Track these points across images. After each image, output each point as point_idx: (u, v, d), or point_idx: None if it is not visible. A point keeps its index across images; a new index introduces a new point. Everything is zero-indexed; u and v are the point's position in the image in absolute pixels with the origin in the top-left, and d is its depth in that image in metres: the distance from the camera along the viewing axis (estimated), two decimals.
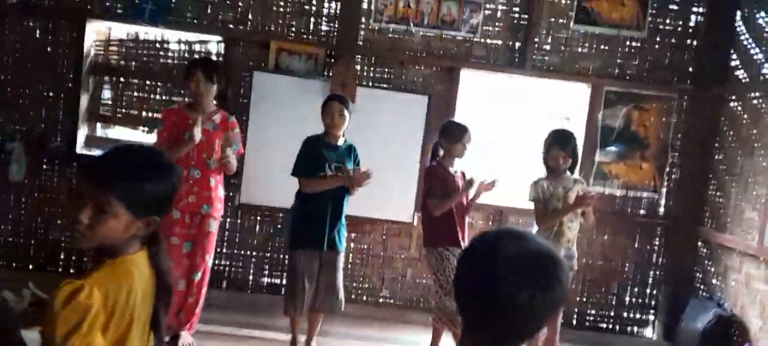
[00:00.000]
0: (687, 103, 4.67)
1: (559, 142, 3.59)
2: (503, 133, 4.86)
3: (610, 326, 4.79)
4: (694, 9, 4.63)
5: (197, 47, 4.43)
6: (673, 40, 4.64)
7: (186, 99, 4.10)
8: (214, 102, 3.63)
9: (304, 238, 3.48)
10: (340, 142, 3.58)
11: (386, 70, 4.53)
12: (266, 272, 4.61)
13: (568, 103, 4.80)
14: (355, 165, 3.59)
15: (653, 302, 4.80)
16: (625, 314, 4.79)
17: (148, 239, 1.42)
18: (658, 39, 4.63)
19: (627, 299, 4.78)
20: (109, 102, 4.50)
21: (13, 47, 4.35)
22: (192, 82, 3.45)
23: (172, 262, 3.41)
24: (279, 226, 4.48)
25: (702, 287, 4.62)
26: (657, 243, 4.75)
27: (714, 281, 4.50)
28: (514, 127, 4.87)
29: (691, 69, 4.66)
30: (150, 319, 1.44)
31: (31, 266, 4.47)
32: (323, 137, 3.55)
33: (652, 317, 4.81)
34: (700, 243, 4.67)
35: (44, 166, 4.42)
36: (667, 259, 4.74)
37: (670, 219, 4.72)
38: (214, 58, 4.35)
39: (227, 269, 4.57)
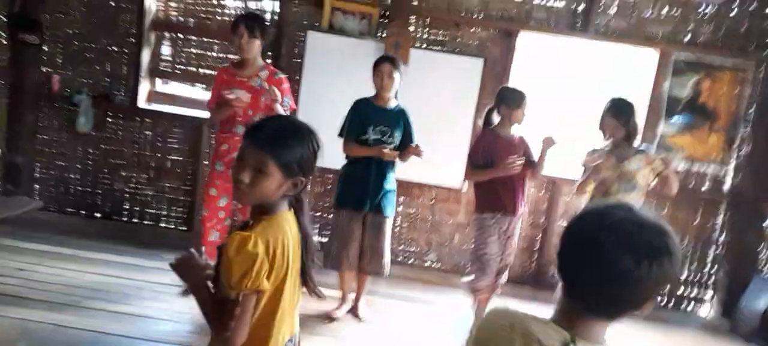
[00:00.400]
0: (763, 74, 4.36)
1: (613, 110, 3.41)
2: (562, 102, 4.68)
3: (665, 303, 4.65)
4: None
5: (252, 5, 4.46)
6: (752, 6, 4.30)
7: (230, 56, 4.14)
8: (261, 59, 3.61)
9: (345, 198, 3.54)
10: (391, 104, 3.55)
11: (441, 31, 4.43)
12: (317, 231, 4.69)
13: (632, 70, 4.56)
14: (405, 130, 3.55)
15: (712, 280, 4.62)
16: (680, 291, 4.64)
17: (294, 202, 1.62)
18: (735, 4, 4.31)
19: (684, 275, 4.61)
20: (169, 58, 4.62)
21: (79, 3, 4.50)
22: (236, 36, 3.44)
23: (207, 211, 3.56)
24: (329, 186, 4.53)
25: (766, 266, 4.41)
26: (720, 219, 4.54)
27: None
28: (574, 96, 4.69)
29: (766, 38, 4.33)
30: (300, 273, 1.65)
31: (97, 214, 4.73)
32: (372, 100, 3.53)
33: (709, 295, 4.64)
34: (766, 221, 4.43)
35: (109, 119, 4.61)
36: (731, 236, 4.53)
37: (736, 195, 4.48)
38: (260, 13, 4.33)
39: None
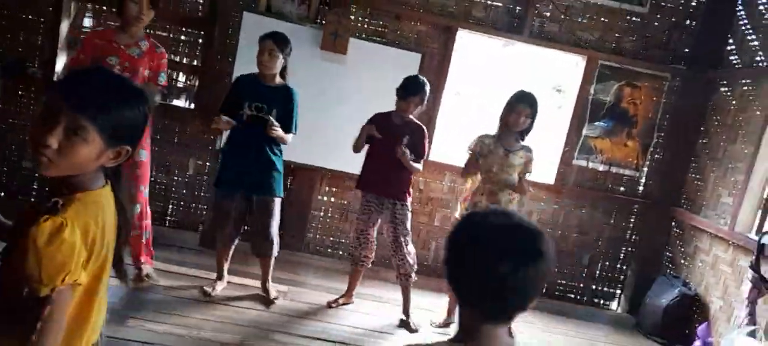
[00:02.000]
0: (679, 85, 4.65)
1: (525, 100, 3.52)
2: (492, 99, 4.80)
3: (578, 297, 4.91)
4: None
5: None
6: (672, 19, 4.58)
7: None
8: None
9: (221, 178, 3.50)
10: (277, 82, 3.42)
11: (381, 23, 4.40)
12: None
13: (561, 75, 4.75)
14: (287, 109, 3.41)
15: (622, 277, 4.92)
16: (593, 287, 4.91)
17: (111, 174, 1.35)
18: (658, 16, 4.57)
19: (597, 272, 4.88)
20: (90, 30, 4.30)
21: None
22: (133, 3, 3.19)
23: None
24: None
25: (670, 266, 4.74)
26: (632, 220, 4.83)
27: (682, 261, 4.62)
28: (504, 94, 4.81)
29: (686, 50, 4.63)
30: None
31: (2, 193, 4.37)
32: (256, 76, 3.42)
33: (618, 292, 4.94)
34: (673, 223, 4.76)
35: (20, 93, 4.26)
36: (640, 236, 4.83)
37: (648, 198, 4.78)
38: None
39: (204, 212, 4.51)
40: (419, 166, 3.60)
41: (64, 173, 1.24)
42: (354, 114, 4.24)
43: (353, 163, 4.34)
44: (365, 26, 4.40)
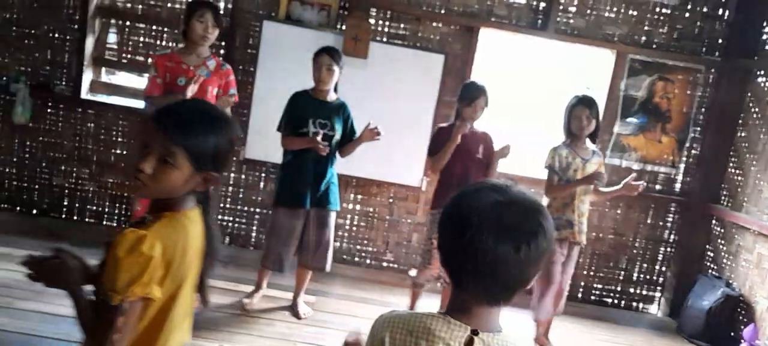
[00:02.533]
0: (714, 77, 4.48)
1: (584, 102, 3.45)
2: (521, 99, 4.70)
3: (616, 301, 4.72)
4: None
5: None
6: (705, 9, 4.41)
7: (176, 43, 3.98)
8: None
9: (285, 195, 3.45)
10: (330, 97, 3.44)
11: (402, 25, 4.35)
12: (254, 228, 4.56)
13: (590, 70, 4.61)
14: (346, 123, 3.46)
15: (661, 279, 4.72)
16: (631, 290, 4.72)
17: (202, 199, 1.44)
18: (688, 7, 4.41)
19: (635, 275, 4.70)
20: (115, 46, 4.36)
21: None
22: (200, 23, 3.26)
23: (139, 206, 3.38)
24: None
25: (712, 265, 4.53)
26: (670, 219, 4.64)
27: (724, 260, 4.42)
28: (533, 93, 4.71)
29: (720, 41, 4.45)
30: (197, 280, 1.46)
31: (34, 211, 4.44)
32: (311, 93, 3.42)
33: (658, 294, 4.74)
34: (714, 221, 4.56)
35: (49, 110, 4.32)
36: (679, 236, 4.64)
37: (686, 195, 4.59)
38: (221, 4, 4.19)
39: (230, 224, 4.51)
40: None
41: (156, 195, 1.37)
42: (378, 119, 4.19)
43: (377, 170, 4.31)
44: (386, 29, 4.35)
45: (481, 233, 1.04)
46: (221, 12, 3.55)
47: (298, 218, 3.43)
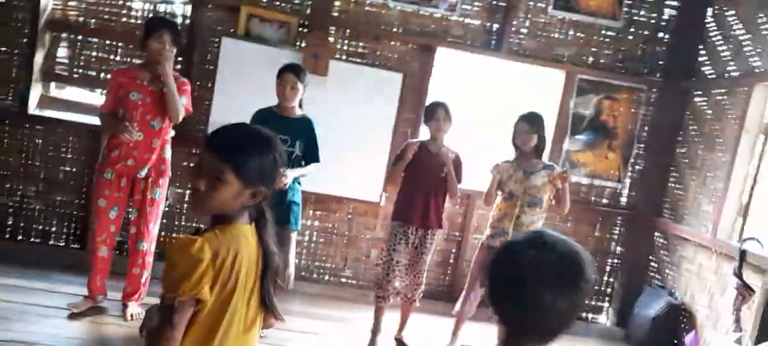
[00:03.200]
0: (655, 96, 4.73)
1: (526, 120, 3.61)
2: (477, 116, 4.83)
3: None
4: (668, 2, 4.66)
5: (162, 8, 4.20)
6: (646, 33, 4.67)
7: (135, 60, 3.99)
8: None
9: None
10: (296, 113, 3.44)
11: (361, 44, 4.41)
12: None
13: (541, 89, 4.79)
14: (309, 140, 3.43)
15: (609, 290, 4.92)
16: None
17: (257, 216, 1.55)
18: (632, 30, 4.66)
19: None
20: (66, 61, 4.22)
21: None
22: (157, 42, 3.24)
23: (96, 224, 3.39)
24: None
25: (656, 276, 4.76)
26: (616, 232, 4.86)
27: (667, 270, 4.65)
28: (488, 111, 4.85)
29: (661, 62, 4.72)
30: (259, 294, 1.56)
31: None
32: (275, 109, 3.42)
33: (606, 304, 4.94)
34: (657, 234, 4.80)
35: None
36: (625, 248, 4.86)
37: (631, 209, 4.82)
38: (178, 20, 4.15)
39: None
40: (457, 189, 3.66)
41: (212, 211, 1.49)
42: (335, 136, 4.23)
43: (336, 186, 4.34)
44: (345, 48, 4.40)
45: (529, 287, 1.18)
46: (180, 29, 3.52)
47: None
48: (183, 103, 3.39)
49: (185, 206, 4.40)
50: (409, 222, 3.59)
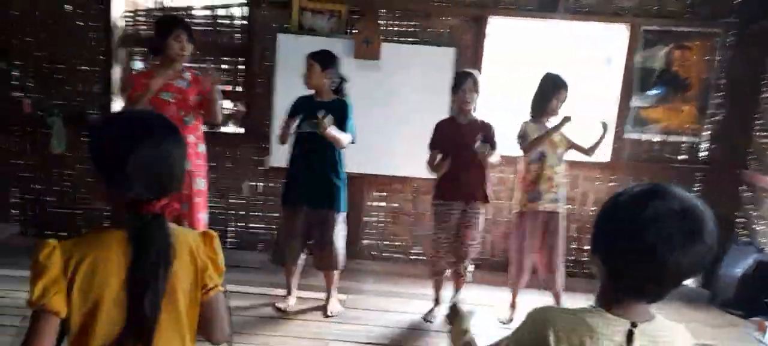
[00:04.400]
0: (732, 40, 4.40)
1: (565, 85, 3.54)
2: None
3: None
4: None
5: (221, 12, 4.43)
6: None
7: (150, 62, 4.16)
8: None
9: (284, 195, 3.61)
10: (331, 97, 3.50)
11: (411, 23, 4.42)
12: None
13: (605, 43, 4.59)
14: (342, 122, 3.44)
15: None
16: None
17: (138, 222, 1.29)
18: None
19: None
20: (135, 71, 4.56)
21: (46, 24, 4.45)
22: (176, 42, 3.36)
23: None
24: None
25: (743, 232, 4.48)
26: (697, 189, 4.60)
27: (756, 225, 4.36)
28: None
29: (735, 1, 4.37)
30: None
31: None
32: (311, 96, 3.51)
33: None
34: (743, 186, 4.50)
35: (83, 139, 4.56)
36: (707, 204, 4.56)
37: (711, 163, 4.54)
38: (236, 22, 4.34)
39: (262, 231, 4.69)
40: (497, 159, 3.57)
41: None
42: (394, 117, 4.30)
43: (397, 167, 4.41)
44: (396, 29, 4.43)
45: (658, 247, 1.09)
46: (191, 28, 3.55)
47: (295, 217, 3.55)
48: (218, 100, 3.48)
49: (260, 197, 4.65)
50: (451, 199, 3.59)
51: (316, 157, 3.47)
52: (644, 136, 4.52)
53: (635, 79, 4.45)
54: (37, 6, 4.43)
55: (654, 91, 4.48)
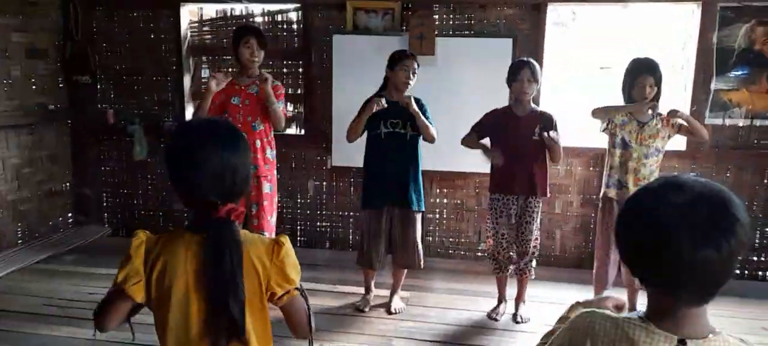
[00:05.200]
0: None
1: (648, 69, 3.32)
2: (605, 71, 4.48)
3: (738, 273, 4.32)
4: None
5: (279, 17, 4.57)
6: None
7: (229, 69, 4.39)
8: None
9: (366, 197, 3.60)
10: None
11: (466, 16, 4.34)
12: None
13: (674, 28, 4.28)
14: (421, 111, 3.47)
15: None
16: (754, 259, 4.30)
17: (209, 226, 1.38)
18: None
19: (756, 241, 4.27)
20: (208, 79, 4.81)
21: (123, 39, 4.80)
22: (246, 48, 3.50)
23: None
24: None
25: None
26: None
27: None
28: (617, 63, 4.46)
29: None
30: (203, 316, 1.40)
31: None
32: (386, 95, 3.50)
33: None
34: None
35: (162, 145, 4.86)
36: None
37: None
38: (294, 26, 4.46)
39: (328, 229, 4.78)
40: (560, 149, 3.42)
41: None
42: (452, 112, 4.23)
43: (459, 162, 4.34)
44: (451, 22, 4.37)
45: (681, 239, 1.00)
46: (263, 33, 3.68)
47: (380, 218, 3.57)
48: (280, 106, 3.57)
49: (325, 195, 4.75)
50: (508, 192, 3.48)
51: (397, 156, 3.50)
52: (727, 122, 4.16)
53: (714, 61, 4.10)
54: (114, 21, 4.78)
55: (735, 73, 4.11)
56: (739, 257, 1.03)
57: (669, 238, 1.00)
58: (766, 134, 4.16)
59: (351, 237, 4.77)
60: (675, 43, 4.37)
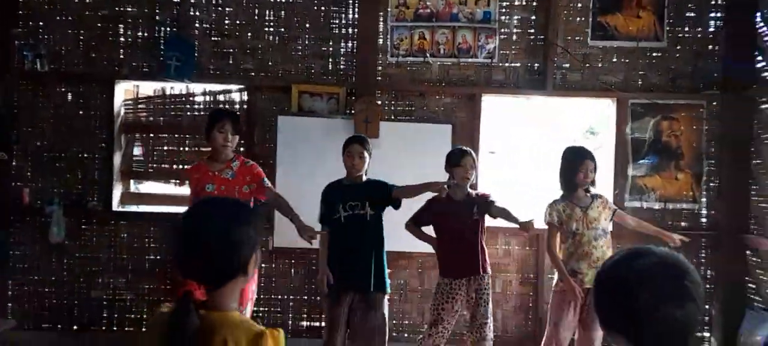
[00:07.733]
0: (718, 109, 4.56)
1: (588, 155, 3.61)
2: (531, 156, 4.82)
3: None
4: (712, 14, 4.58)
5: (221, 98, 4.57)
6: (694, 47, 4.57)
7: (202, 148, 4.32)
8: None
9: (328, 285, 3.53)
10: (364, 179, 3.60)
11: (407, 102, 4.58)
12: (305, 315, 4.60)
13: (593, 119, 4.75)
14: (379, 191, 3.55)
15: (707, 318, 4.57)
16: None
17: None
18: (678, 47, 4.58)
19: None
20: (141, 158, 4.63)
21: (48, 114, 4.56)
22: (220, 133, 3.47)
23: None
24: (313, 267, 4.46)
25: (756, 298, 4.39)
26: (703, 255, 4.57)
27: None
28: (543, 148, 4.84)
29: (716, 74, 4.57)
30: None
31: (75, 327, 4.55)
32: (344, 180, 3.58)
33: (707, 334, 4.57)
34: (749, 252, 4.46)
35: (83, 226, 4.54)
36: (716, 271, 4.54)
37: (715, 228, 4.54)
38: (236, 106, 4.49)
39: (266, 314, 4.55)
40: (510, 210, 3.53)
41: None
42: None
43: (402, 242, 4.35)
44: (393, 108, 4.58)
45: (644, 296, 1.14)
46: (239, 117, 3.74)
47: (338, 306, 3.49)
48: (267, 187, 3.60)
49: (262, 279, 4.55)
50: (457, 275, 3.56)
51: (358, 240, 3.49)
52: (645, 205, 4.55)
53: (629, 150, 4.55)
54: (39, 95, 4.55)
55: (646, 161, 4.56)
56: (698, 317, 1.17)
57: (633, 292, 1.14)
58: (679, 216, 4.58)
59: (290, 322, 4.59)
60: (584, 130, 4.84)
